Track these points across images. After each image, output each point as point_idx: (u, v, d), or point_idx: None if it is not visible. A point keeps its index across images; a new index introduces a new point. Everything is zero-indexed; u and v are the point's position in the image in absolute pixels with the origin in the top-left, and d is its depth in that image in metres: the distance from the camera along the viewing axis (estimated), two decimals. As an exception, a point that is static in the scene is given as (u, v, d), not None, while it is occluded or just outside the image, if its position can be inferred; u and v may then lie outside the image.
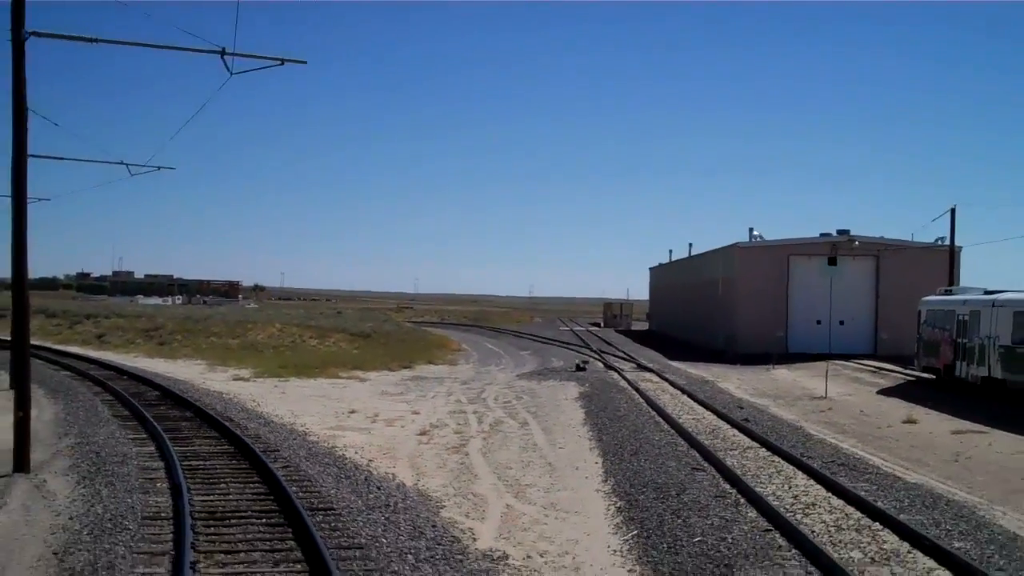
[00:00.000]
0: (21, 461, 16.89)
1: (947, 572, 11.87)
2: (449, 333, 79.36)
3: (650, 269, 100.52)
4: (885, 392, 38.86)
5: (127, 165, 26.06)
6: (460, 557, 12.41)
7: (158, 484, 15.95)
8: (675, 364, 50.05)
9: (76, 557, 11.69)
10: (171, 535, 12.61)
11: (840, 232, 58.26)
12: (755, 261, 58.31)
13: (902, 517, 14.57)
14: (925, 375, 40.89)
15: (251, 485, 15.84)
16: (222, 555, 11.78)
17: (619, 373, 41.23)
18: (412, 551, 12.41)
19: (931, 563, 12.31)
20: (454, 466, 19.73)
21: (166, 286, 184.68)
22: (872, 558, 12.57)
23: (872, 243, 57.59)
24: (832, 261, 57.47)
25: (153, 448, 19.27)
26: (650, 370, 43.76)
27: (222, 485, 15.77)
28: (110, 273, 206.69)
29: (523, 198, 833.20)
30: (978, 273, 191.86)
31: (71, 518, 13.67)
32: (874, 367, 47.38)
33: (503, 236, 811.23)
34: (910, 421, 29.61)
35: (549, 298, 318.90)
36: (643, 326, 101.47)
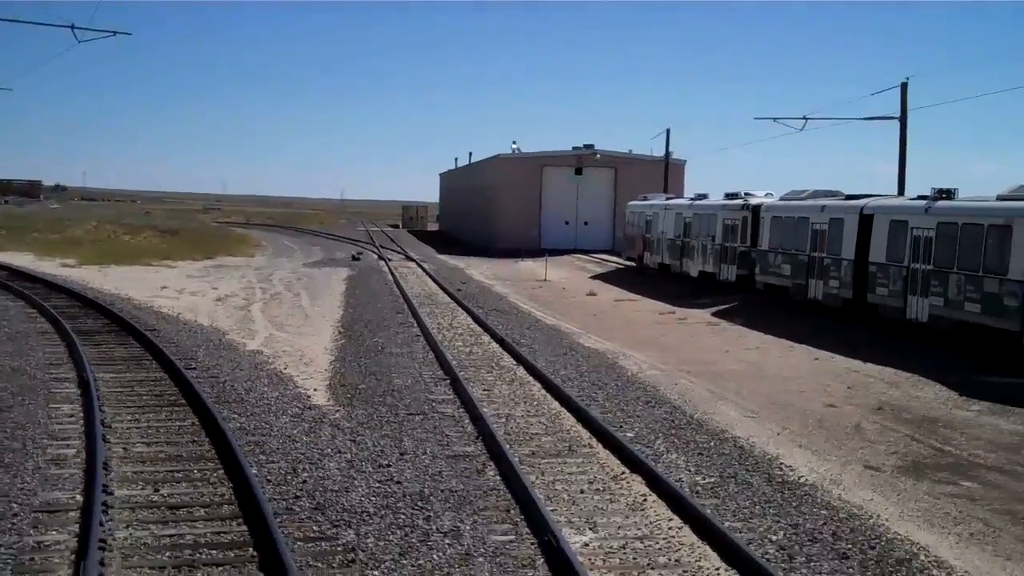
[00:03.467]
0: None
1: (501, 348, 22.03)
2: (252, 232, 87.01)
3: (440, 175, 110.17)
4: (596, 276, 49.70)
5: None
6: (235, 350, 21.64)
7: (39, 319, 24.51)
8: (441, 257, 59.95)
9: (2, 355, 20.32)
10: (60, 339, 21.38)
11: (586, 146, 69.03)
12: (514, 170, 68.52)
13: (505, 334, 24.59)
14: (631, 263, 52.04)
15: (101, 319, 24.61)
16: (93, 346, 20.63)
17: (387, 262, 50.72)
18: (206, 346, 21.61)
19: (497, 347, 22.45)
20: (239, 317, 28.72)
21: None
22: (468, 347, 22.61)
23: (612, 156, 68.66)
24: (578, 171, 68.22)
25: (23, 303, 27.57)
26: (414, 260, 53.51)
27: (82, 319, 24.46)
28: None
29: (335, 100, 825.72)
30: (704, 181, 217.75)
31: (-11, 335, 22.22)
32: (601, 259, 58.50)
33: (315, 139, 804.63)
34: (591, 294, 40.28)
35: (361, 201, 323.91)
36: (437, 227, 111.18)
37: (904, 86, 35.95)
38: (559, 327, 28.12)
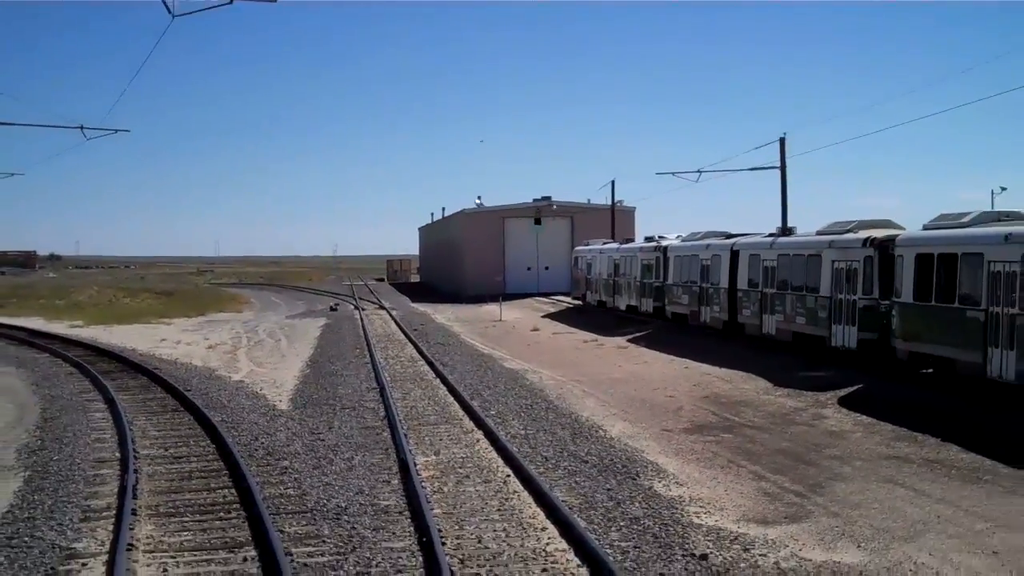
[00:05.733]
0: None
1: (430, 369, 28.17)
2: (242, 291, 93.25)
3: (419, 229, 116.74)
4: (546, 315, 55.76)
5: None
6: (222, 380, 27.76)
7: (64, 365, 30.65)
8: (413, 305, 66.15)
9: (43, 387, 26.43)
10: (83, 376, 27.50)
11: (544, 198, 75.60)
12: (478, 223, 75.05)
13: (436, 359, 30.71)
14: (578, 303, 58.21)
15: (114, 363, 30.76)
16: (111, 380, 26.74)
17: (360, 312, 56.91)
18: (199, 378, 27.75)
19: (428, 368, 28.60)
20: (227, 359, 34.84)
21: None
22: (404, 368, 28.76)
23: (567, 206, 75.23)
24: (537, 221, 74.78)
25: (48, 355, 33.72)
26: (385, 309, 59.71)
27: (100, 363, 30.58)
28: None
29: (326, 155, 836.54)
30: (657, 224, 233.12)
31: (25, 377, 28.33)
32: (557, 300, 64.64)
33: (306, 196, 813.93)
34: (535, 329, 46.40)
35: (353, 256, 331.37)
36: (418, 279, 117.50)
37: (783, 140, 42.37)
38: (492, 354, 34.22)
